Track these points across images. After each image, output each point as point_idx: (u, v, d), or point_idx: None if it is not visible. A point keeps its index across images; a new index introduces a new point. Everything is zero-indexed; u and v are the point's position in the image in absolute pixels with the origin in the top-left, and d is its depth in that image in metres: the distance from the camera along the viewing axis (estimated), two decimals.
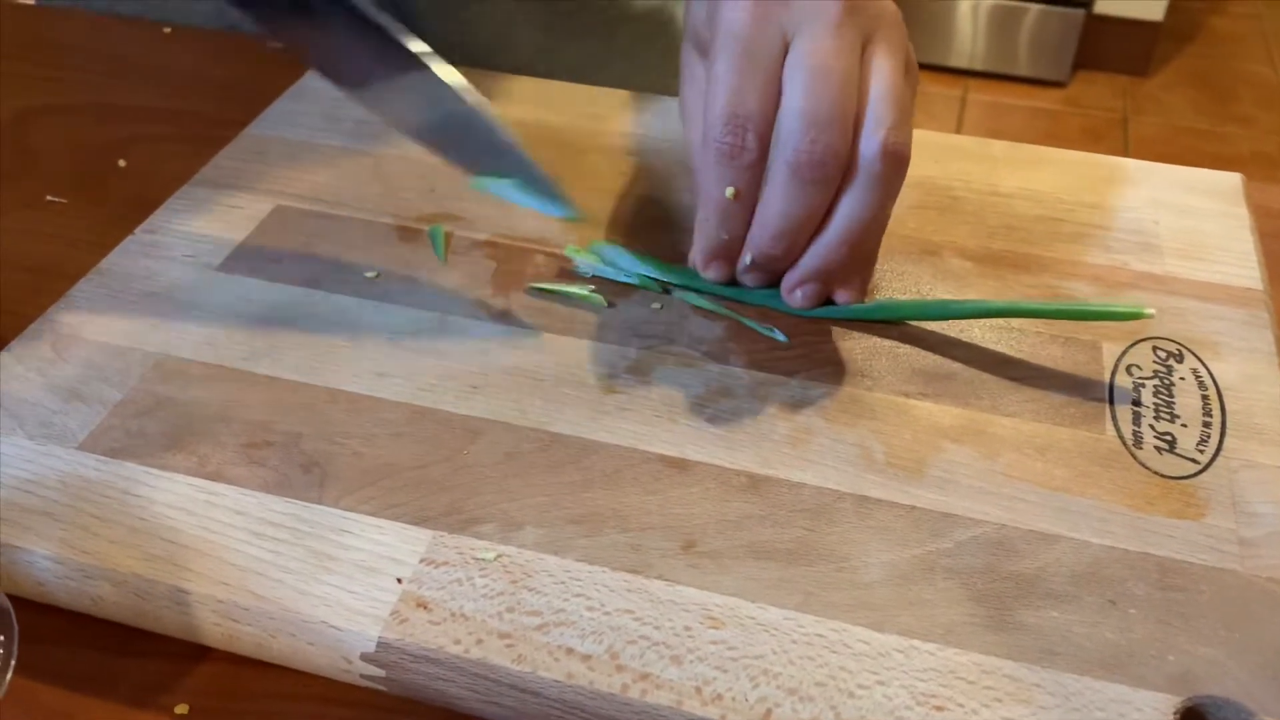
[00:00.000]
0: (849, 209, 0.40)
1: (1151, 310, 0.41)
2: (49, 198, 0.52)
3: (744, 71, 0.39)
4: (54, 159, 0.55)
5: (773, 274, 0.43)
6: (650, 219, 0.49)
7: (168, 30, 0.64)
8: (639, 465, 0.38)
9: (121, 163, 0.54)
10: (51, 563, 0.35)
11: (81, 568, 0.35)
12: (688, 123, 0.45)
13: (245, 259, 0.46)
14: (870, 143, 0.39)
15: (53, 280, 0.46)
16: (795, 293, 0.43)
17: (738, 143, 0.39)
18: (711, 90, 0.40)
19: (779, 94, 0.39)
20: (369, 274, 0.46)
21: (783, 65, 0.39)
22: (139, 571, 0.34)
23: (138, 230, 0.48)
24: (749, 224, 0.42)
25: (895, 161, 0.39)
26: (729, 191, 0.40)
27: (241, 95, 0.57)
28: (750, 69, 0.39)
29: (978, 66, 2.44)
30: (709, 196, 0.41)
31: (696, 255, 0.44)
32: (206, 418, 0.39)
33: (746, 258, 0.42)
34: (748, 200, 0.41)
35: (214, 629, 0.34)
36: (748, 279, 0.44)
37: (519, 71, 0.59)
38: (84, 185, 0.53)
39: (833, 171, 0.39)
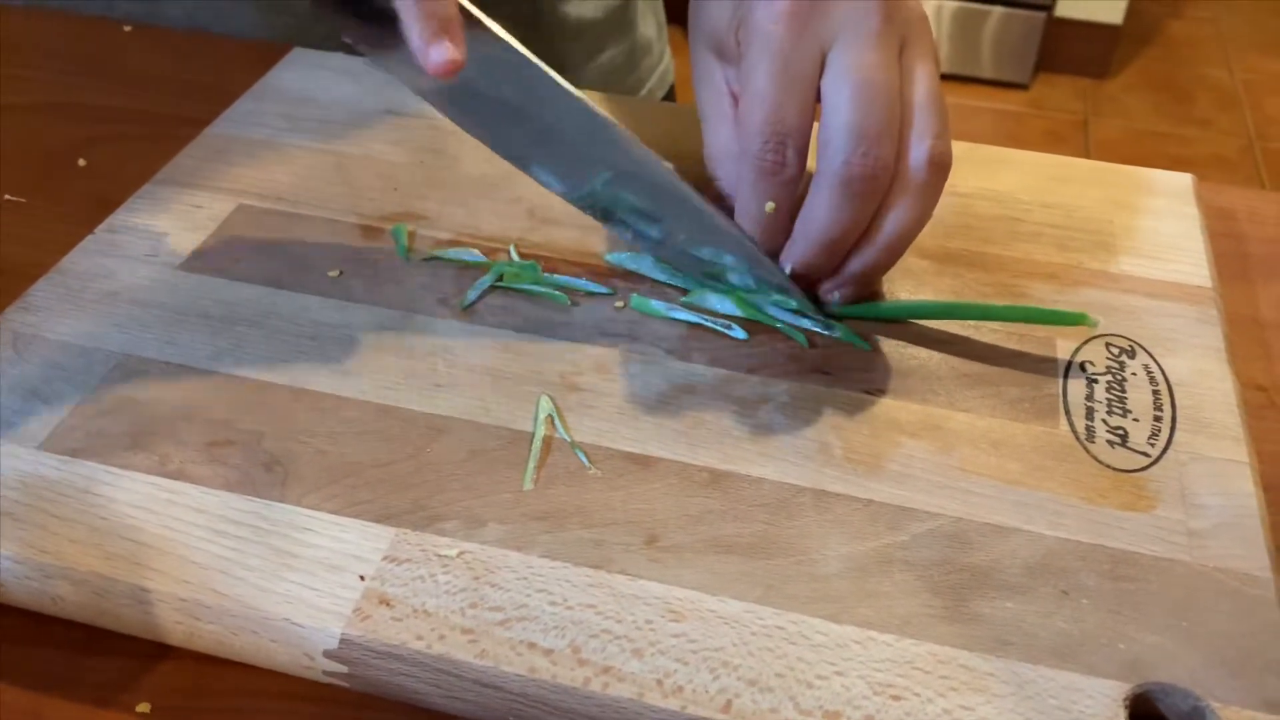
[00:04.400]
0: (896, 217, 0.40)
1: (1098, 319, 0.42)
2: (8, 197, 0.52)
3: (782, 85, 0.39)
4: (13, 158, 0.54)
5: (811, 283, 0.43)
6: None
7: (128, 29, 0.64)
8: (602, 461, 0.38)
9: (82, 162, 0.54)
10: (11, 563, 0.35)
11: (42, 567, 0.34)
12: (708, 126, 0.45)
13: (207, 258, 0.46)
14: (917, 153, 0.39)
15: (12, 280, 0.45)
16: (834, 294, 0.43)
17: (778, 159, 0.40)
18: (748, 104, 0.40)
19: (815, 105, 0.39)
20: (332, 273, 0.46)
21: (820, 76, 0.39)
22: (100, 570, 0.34)
23: (98, 229, 0.48)
24: (785, 235, 0.42)
25: (941, 171, 0.40)
26: (768, 206, 0.41)
27: (203, 94, 0.57)
28: (788, 83, 0.39)
29: (941, 69, 2.46)
30: (746, 210, 0.41)
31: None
32: (168, 417, 0.39)
33: (786, 267, 0.42)
34: (785, 212, 0.41)
35: (176, 627, 0.34)
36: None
37: None
38: (44, 184, 0.53)
39: (883, 183, 0.39)
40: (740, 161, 0.41)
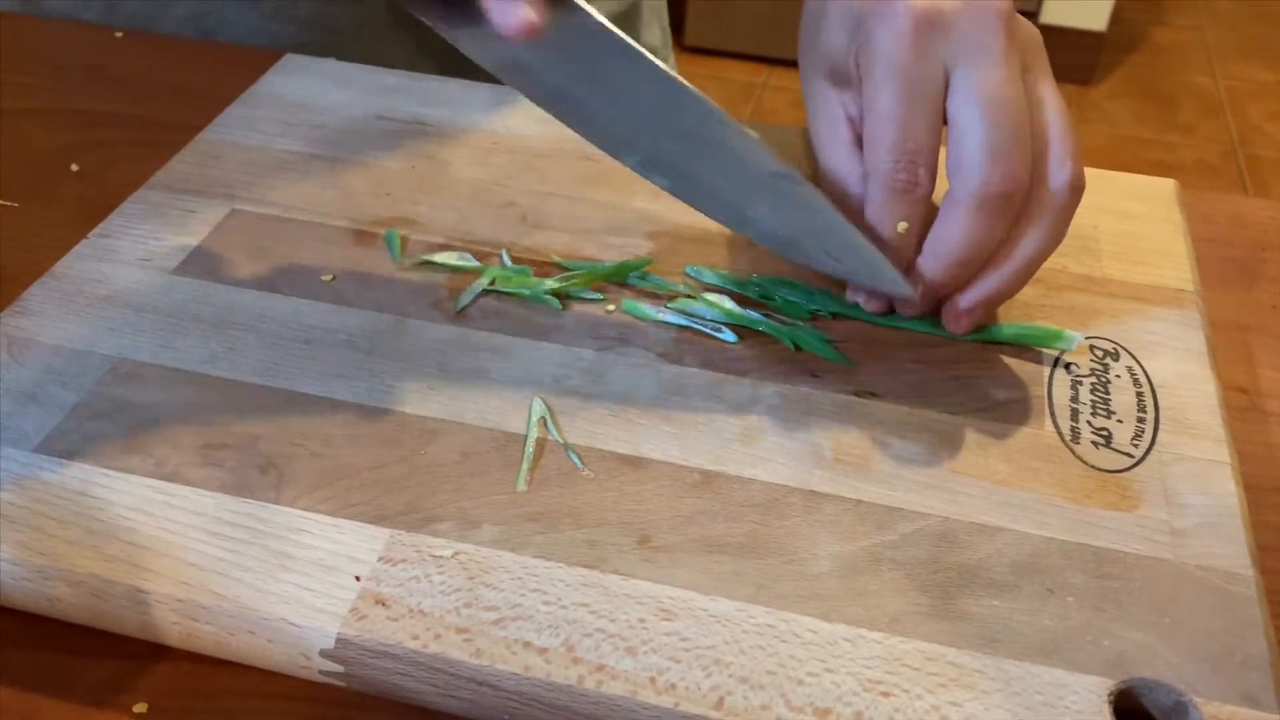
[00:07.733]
0: (1034, 238, 0.40)
1: (1075, 335, 0.43)
2: (1, 202, 0.52)
3: (909, 105, 0.40)
4: (6, 163, 0.55)
5: (936, 304, 0.43)
6: (609, 223, 0.50)
7: (120, 35, 0.64)
8: (594, 463, 0.39)
9: (74, 166, 0.54)
10: (8, 565, 0.35)
11: (39, 569, 0.35)
12: (824, 151, 0.45)
13: (201, 262, 0.47)
14: (1059, 177, 0.40)
15: (6, 284, 0.46)
16: (963, 319, 0.43)
17: (911, 179, 0.40)
18: (876, 125, 0.40)
19: (942, 126, 0.40)
20: (325, 277, 0.46)
21: (944, 96, 0.40)
22: (97, 572, 0.34)
23: (91, 234, 0.48)
24: (915, 253, 0.42)
25: (1079, 194, 0.40)
26: (901, 226, 0.41)
27: (195, 99, 0.57)
28: (915, 102, 0.40)
29: None
30: (878, 230, 0.42)
31: (859, 289, 0.44)
32: (163, 420, 0.40)
33: (918, 288, 0.42)
34: (915, 232, 0.41)
35: (173, 628, 0.34)
36: (908, 310, 0.44)
37: (491, 80, 0.59)
38: (37, 189, 0.53)
39: (1019, 201, 0.39)
40: (871, 182, 0.41)
